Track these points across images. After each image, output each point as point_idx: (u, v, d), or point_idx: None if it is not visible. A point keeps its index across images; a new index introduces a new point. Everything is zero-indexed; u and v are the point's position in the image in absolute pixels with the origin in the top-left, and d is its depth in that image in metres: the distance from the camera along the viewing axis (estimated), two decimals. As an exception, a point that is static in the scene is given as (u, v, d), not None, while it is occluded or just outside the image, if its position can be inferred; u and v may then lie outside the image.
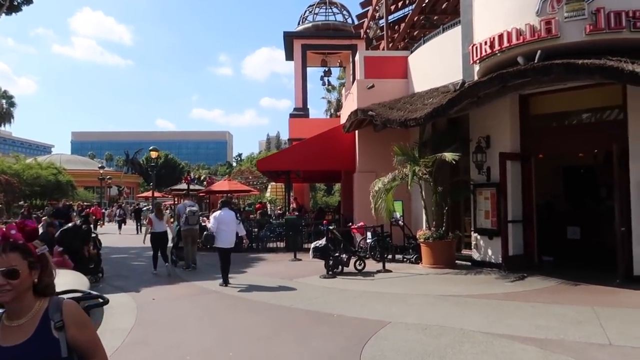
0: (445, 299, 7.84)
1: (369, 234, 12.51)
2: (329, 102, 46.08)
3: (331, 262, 10.37)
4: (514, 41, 9.35)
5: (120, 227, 26.28)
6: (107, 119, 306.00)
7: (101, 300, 3.95)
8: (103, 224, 29.68)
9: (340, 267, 10.54)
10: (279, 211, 21.92)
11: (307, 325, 6.44)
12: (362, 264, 10.79)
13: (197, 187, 28.59)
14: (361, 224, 12.87)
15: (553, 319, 6.46)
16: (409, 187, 11.64)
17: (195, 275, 10.50)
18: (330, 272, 10.21)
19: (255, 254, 14.35)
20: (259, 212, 18.98)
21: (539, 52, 8.79)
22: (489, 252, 10.96)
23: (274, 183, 29.38)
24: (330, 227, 10.99)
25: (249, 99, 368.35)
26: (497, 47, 9.73)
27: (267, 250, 15.18)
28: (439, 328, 6.09)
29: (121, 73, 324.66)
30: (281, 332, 6.17)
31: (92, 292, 4.05)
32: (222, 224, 9.61)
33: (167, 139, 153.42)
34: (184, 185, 27.21)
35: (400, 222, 12.78)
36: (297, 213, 19.39)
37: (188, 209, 12.37)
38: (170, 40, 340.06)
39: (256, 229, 16.11)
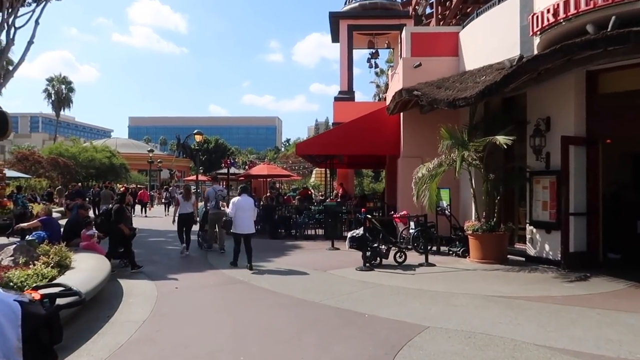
0: (495, 300, 6.92)
1: (412, 224, 11.63)
2: (377, 86, 44.82)
3: (368, 254, 9.60)
4: (583, 7, 8.14)
5: (167, 210, 26.55)
6: (163, 104, 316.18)
7: (76, 299, 3.38)
8: (151, 207, 30.11)
9: (378, 259, 9.76)
10: (320, 197, 21.27)
11: (334, 326, 5.74)
12: (403, 256, 9.96)
13: (237, 171, 28.49)
14: (404, 212, 12.00)
15: (625, 331, 5.44)
16: (457, 174, 10.62)
17: (224, 263, 10.01)
18: (367, 265, 9.45)
19: (292, 241, 13.78)
20: (297, 198, 18.39)
21: (613, 18, 7.55)
22: (546, 247, 9.84)
23: (318, 168, 28.80)
24: (369, 216, 10.17)
25: (299, 85, 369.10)
26: (561, 15, 8.53)
27: (305, 237, 14.58)
28: (486, 337, 5.23)
29: (176, 60, 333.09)
30: (303, 333, 5.51)
31: (72, 288, 3.51)
32: (240, 210, 9.64)
33: (218, 124, 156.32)
34: (231, 170, 27.21)
35: (446, 211, 11.81)
36: (339, 199, 18.70)
37: (218, 193, 12.27)
38: (222, 28, 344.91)
39: (295, 215, 15.51)
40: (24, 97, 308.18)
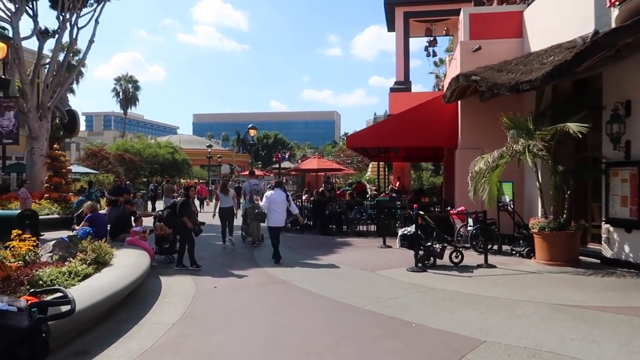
0: (564, 310, 6.04)
1: (470, 221, 10.74)
2: (436, 77, 43.15)
3: (421, 253, 8.88)
4: (673, -31, 6.97)
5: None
6: (225, 101, 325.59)
7: (64, 310, 3.01)
8: (210, 202, 30.47)
9: (432, 259, 9.01)
10: (374, 191, 20.54)
11: (376, 337, 5.14)
12: (460, 257, 9.14)
13: (292, 165, 28.26)
14: (461, 208, 11.12)
15: None
16: (530, 163, 9.59)
17: (269, 260, 9.64)
18: (419, 265, 8.73)
19: (342, 238, 13.25)
20: (349, 192, 17.77)
21: None
22: (626, 248, 8.69)
23: (374, 162, 28.02)
24: (421, 212, 9.42)
25: (358, 78, 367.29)
26: (646, -19, 7.37)
27: (357, 234, 13.98)
28: (554, 357, 4.45)
29: (238, 57, 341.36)
30: (340, 343, 4.95)
31: (68, 295, 3.15)
32: (273, 204, 9.90)
33: (278, 119, 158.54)
34: (284, 164, 27.02)
35: (509, 207, 10.81)
36: (393, 194, 17.93)
37: (252, 187, 12.42)
38: (282, 23, 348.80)
39: (347, 211, 14.94)
40: (99, 97, 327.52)
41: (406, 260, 9.08)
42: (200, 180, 42.04)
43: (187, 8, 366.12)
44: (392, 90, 22.35)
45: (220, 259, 10.39)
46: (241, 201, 13.39)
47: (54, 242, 7.21)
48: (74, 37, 20.58)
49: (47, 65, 19.97)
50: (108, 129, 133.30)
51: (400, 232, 9.34)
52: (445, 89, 15.16)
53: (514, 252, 10.18)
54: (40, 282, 5.53)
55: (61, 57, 21.58)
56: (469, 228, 10.73)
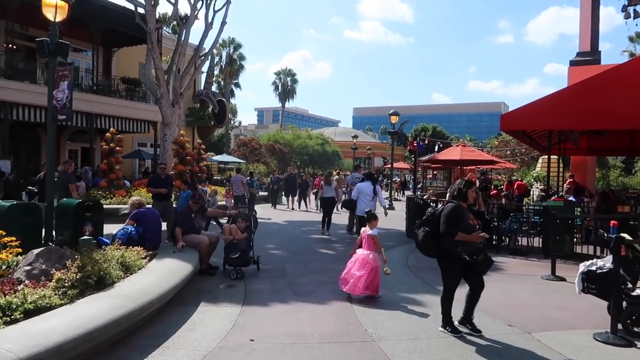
0: None
1: None
2: (631, 55, 34.69)
3: (625, 309, 4.98)
4: None
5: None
6: (387, 95, 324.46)
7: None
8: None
9: (645, 320, 5.03)
10: (541, 192, 15.78)
11: None
12: (702, 320, 4.98)
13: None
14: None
15: None
16: None
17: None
18: (620, 331, 4.85)
19: (491, 254, 9.49)
20: (503, 193, 13.52)
21: None
22: None
23: (545, 156, 22.67)
24: (624, 235, 5.35)
25: (532, 66, 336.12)
26: None
27: (511, 251, 10.00)
28: None
29: (402, 51, 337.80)
30: None
31: None
32: (361, 194, 10.53)
33: (439, 112, 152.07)
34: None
35: None
36: (571, 198, 13.29)
37: (354, 180, 12.78)
38: (449, 13, 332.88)
39: (496, 220, 10.99)
40: (267, 92, 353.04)
41: (593, 314, 5.32)
42: (319, 173, 39.61)
43: (353, 4, 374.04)
44: (572, 63, 17.11)
45: (304, 267, 7.68)
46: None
47: (38, 250, 5.18)
48: (210, 21, 19.80)
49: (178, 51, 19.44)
50: (276, 122, 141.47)
51: (583, 267, 5.45)
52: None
53: None
54: None
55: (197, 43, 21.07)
56: None
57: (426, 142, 29.16)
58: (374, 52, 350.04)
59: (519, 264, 8.97)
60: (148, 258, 6.24)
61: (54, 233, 7.18)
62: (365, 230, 6.40)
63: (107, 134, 16.98)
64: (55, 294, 4.36)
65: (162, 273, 5.61)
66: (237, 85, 60.05)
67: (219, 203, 16.41)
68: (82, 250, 5.39)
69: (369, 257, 6.14)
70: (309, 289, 6.70)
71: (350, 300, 6.11)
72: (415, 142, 18.28)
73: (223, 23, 19.87)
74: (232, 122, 68.93)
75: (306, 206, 21.07)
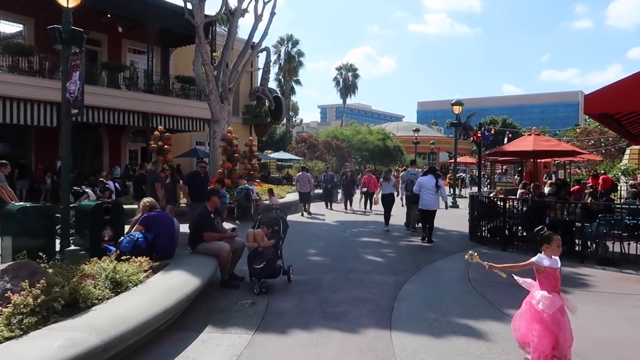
0: None
1: None
2: None
3: None
4: None
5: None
6: (453, 88, 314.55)
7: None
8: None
9: None
10: (631, 188, 13.41)
11: None
12: None
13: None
14: None
15: None
16: None
17: (413, 304, 5.33)
18: None
19: (573, 267, 7.82)
20: (588, 189, 11.49)
21: None
22: None
23: (635, 146, 19.94)
24: None
25: (613, 52, 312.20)
26: None
27: (600, 260, 8.23)
28: None
29: (469, 42, 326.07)
30: None
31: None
32: (423, 188, 10.26)
33: (510, 103, 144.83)
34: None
35: None
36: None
37: (410, 176, 12.18)
38: (521, 0, 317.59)
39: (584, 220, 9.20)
40: (331, 89, 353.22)
41: None
42: (367, 169, 37.41)
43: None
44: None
45: (343, 279, 6.49)
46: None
47: (7, 264, 4.37)
48: (259, 13, 19.03)
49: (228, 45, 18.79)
50: (339, 119, 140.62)
51: None
52: None
53: None
54: None
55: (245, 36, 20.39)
56: None
57: (492, 131, 26.73)
58: (439, 44, 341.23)
59: (611, 277, 7.27)
60: (151, 270, 5.33)
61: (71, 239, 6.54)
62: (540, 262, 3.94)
63: (155, 132, 16.61)
64: (6, 324, 3.49)
65: (158, 291, 4.65)
66: (298, 82, 59.63)
67: (265, 202, 15.66)
68: (57, 265, 4.54)
69: (541, 303, 3.79)
70: (343, 308, 5.51)
71: (390, 327, 4.86)
72: (479, 132, 16.37)
73: (272, 14, 19.06)
74: (293, 119, 68.83)
75: (350, 206, 18.02)
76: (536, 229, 4.42)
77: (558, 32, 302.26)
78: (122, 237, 6.00)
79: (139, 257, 5.41)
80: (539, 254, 4.01)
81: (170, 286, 4.85)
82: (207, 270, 5.80)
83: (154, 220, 6.17)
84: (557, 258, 4.00)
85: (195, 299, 5.55)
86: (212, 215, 6.66)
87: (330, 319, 5.15)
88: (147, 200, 6.51)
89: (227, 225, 8.90)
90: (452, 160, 23.45)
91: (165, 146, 16.72)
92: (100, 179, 13.40)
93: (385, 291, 6.27)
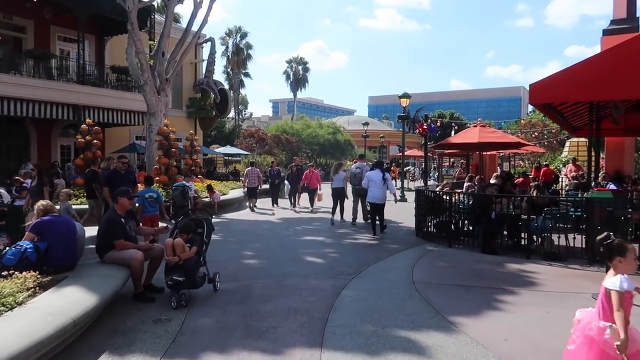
0: None
1: None
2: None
3: None
4: None
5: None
6: (403, 83, 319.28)
7: None
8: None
9: None
10: (571, 179, 13.47)
11: None
12: None
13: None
14: None
15: None
16: None
17: (354, 314, 4.75)
18: None
19: (519, 262, 7.51)
20: (532, 182, 11.35)
21: None
22: None
23: (575, 138, 20.38)
24: None
25: (552, 50, 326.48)
26: None
27: (545, 255, 7.96)
28: None
29: (418, 38, 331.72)
30: None
31: None
32: (371, 182, 10.63)
33: (457, 98, 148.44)
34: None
35: None
36: (612, 186, 11.21)
37: (355, 170, 12.47)
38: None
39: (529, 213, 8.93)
40: (282, 82, 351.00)
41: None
42: (310, 164, 36.89)
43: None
44: (606, 32, 14.77)
45: (275, 286, 5.80)
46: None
47: None
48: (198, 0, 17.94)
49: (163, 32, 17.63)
50: (291, 113, 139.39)
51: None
52: None
53: None
54: None
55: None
56: None
57: (438, 124, 26.70)
58: (390, 40, 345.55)
59: (559, 274, 6.97)
60: (40, 288, 4.46)
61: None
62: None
63: (83, 126, 15.32)
64: None
65: (37, 317, 3.80)
66: (247, 75, 58.39)
67: (205, 199, 14.77)
68: None
69: (602, 335, 2.90)
70: (270, 323, 4.83)
71: (322, 345, 4.25)
72: (425, 124, 16.06)
73: (212, 0, 17.99)
74: (242, 113, 67.31)
75: (297, 202, 17.08)
76: (599, 238, 3.12)
77: (501, 30, 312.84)
78: (7, 248, 5.06)
79: (24, 272, 4.53)
80: (614, 277, 2.89)
81: (56, 308, 4.01)
82: (113, 284, 4.97)
83: (47, 226, 5.23)
84: (627, 280, 2.87)
85: (100, 317, 4.75)
86: (123, 219, 5.80)
87: (253, 337, 4.47)
88: (42, 203, 5.54)
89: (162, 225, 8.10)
90: (401, 154, 23.21)
91: (95, 141, 15.50)
92: (16, 177, 12.06)
93: (321, 299, 5.64)
